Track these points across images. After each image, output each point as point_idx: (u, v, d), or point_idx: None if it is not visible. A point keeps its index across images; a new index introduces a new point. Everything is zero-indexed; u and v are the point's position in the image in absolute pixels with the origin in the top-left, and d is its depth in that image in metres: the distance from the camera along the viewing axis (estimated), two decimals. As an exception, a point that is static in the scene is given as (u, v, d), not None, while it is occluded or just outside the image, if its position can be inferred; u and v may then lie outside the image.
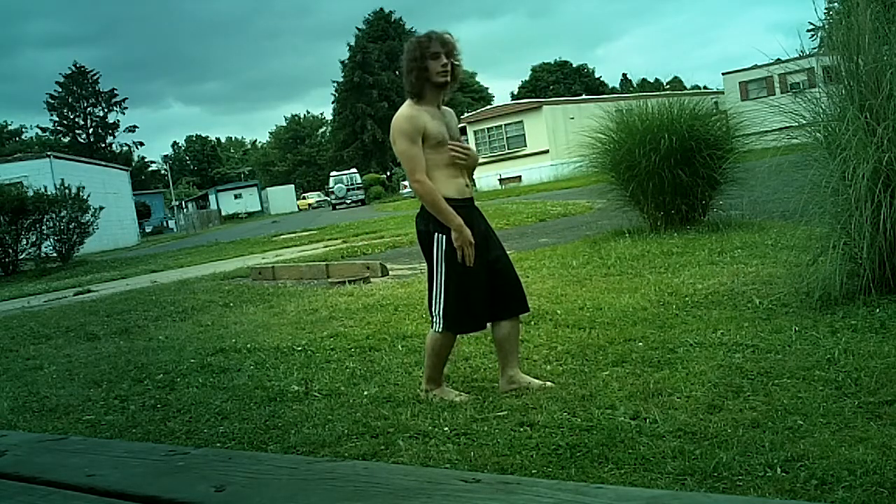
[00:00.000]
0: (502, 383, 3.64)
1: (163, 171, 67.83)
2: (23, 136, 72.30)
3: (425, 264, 3.74)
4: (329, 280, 8.41)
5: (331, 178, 49.11)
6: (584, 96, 45.90)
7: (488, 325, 3.71)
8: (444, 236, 3.50)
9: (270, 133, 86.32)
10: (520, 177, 34.08)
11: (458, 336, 3.79)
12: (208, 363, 4.96)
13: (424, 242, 3.63)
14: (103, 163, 41.46)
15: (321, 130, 79.92)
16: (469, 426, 3.17)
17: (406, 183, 43.09)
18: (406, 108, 3.58)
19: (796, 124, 5.20)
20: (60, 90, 70.22)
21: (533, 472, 2.64)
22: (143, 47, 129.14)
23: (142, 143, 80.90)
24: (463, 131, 33.22)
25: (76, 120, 71.20)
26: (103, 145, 70.48)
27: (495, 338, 3.71)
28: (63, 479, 1.01)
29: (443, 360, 3.68)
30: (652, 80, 69.67)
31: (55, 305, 9.87)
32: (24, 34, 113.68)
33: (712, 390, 3.23)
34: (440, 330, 3.59)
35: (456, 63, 3.58)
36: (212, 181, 78.17)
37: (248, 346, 5.32)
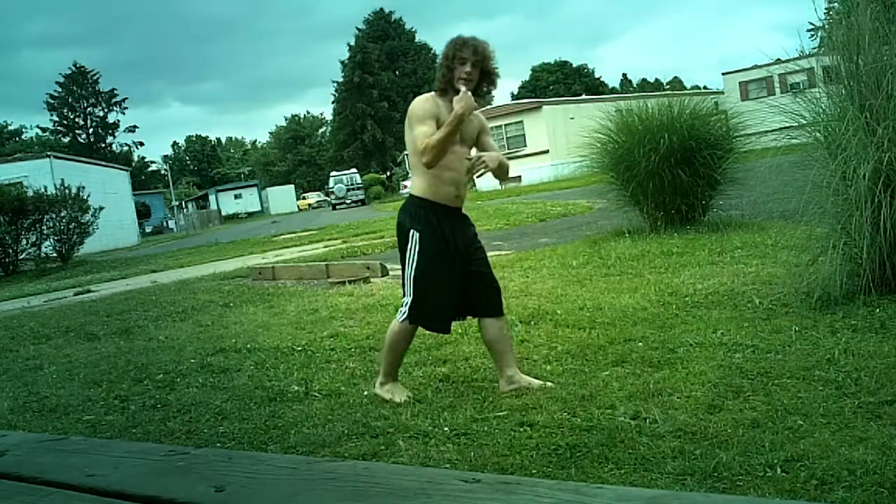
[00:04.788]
0: (502, 383, 3.65)
1: (163, 171, 67.83)
2: (23, 136, 72.48)
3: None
4: (329, 280, 8.41)
5: (331, 179, 49.09)
6: (584, 96, 45.88)
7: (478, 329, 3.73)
8: (418, 233, 3.57)
9: (270, 133, 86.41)
10: (520, 177, 34.04)
11: (450, 335, 3.82)
12: (208, 363, 4.96)
13: (401, 235, 3.70)
14: (103, 163, 41.47)
15: (321, 130, 79.92)
16: (469, 426, 3.17)
17: (406, 183, 43.14)
18: (422, 96, 3.68)
19: (796, 124, 5.20)
20: (60, 90, 70.26)
21: (533, 472, 2.64)
22: (143, 47, 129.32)
23: (142, 143, 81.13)
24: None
25: (76, 120, 71.25)
26: (103, 145, 70.53)
27: (484, 340, 3.76)
28: (63, 479, 1.01)
29: (400, 354, 3.75)
30: (652, 80, 69.67)
31: (55, 305, 9.87)
32: (24, 34, 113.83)
33: (712, 390, 3.23)
34: (402, 320, 3.65)
35: (488, 70, 3.62)
36: (212, 181, 78.21)
37: (248, 346, 5.32)
